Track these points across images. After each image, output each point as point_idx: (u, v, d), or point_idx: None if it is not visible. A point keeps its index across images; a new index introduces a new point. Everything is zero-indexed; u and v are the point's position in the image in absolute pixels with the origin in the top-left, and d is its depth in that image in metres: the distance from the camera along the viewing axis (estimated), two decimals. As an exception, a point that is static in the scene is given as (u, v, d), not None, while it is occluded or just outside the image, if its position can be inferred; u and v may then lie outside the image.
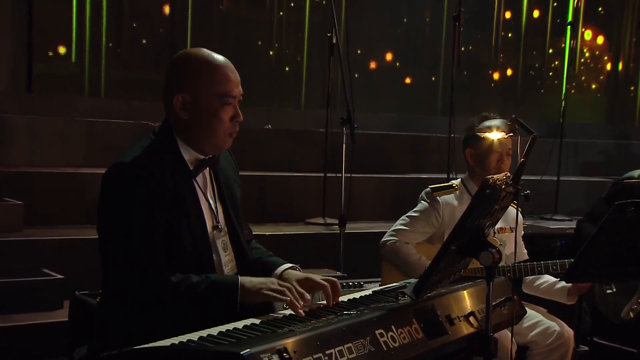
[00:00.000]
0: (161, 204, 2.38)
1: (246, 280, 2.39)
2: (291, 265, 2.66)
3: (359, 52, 8.48)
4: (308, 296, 2.40)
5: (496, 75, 10.01)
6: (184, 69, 2.50)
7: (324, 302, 2.49)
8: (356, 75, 7.59)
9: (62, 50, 6.99)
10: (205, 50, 2.54)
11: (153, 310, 2.36)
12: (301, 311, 2.31)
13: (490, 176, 2.36)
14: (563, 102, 7.32)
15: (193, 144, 2.53)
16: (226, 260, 2.59)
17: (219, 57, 2.53)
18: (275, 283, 2.39)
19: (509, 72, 10.05)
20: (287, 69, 8.48)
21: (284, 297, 2.33)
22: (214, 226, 2.57)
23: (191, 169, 2.53)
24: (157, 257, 2.37)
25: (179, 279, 2.36)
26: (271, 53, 8.41)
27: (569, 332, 3.73)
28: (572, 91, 9.38)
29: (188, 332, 2.06)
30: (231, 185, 2.71)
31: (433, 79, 9.31)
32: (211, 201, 2.59)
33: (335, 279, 2.54)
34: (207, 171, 2.61)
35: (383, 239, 3.83)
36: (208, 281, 2.38)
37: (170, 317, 2.35)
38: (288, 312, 2.35)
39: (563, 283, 3.73)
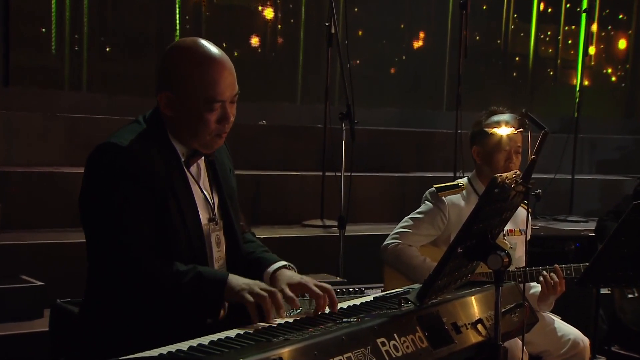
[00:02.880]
0: (149, 192, 2.40)
1: (233, 278, 2.39)
2: (285, 263, 2.65)
3: (358, 42, 8.49)
4: (284, 311, 2.37)
5: (506, 67, 10.03)
6: (173, 65, 2.48)
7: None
8: (358, 62, 7.61)
9: (41, 40, 6.99)
10: (200, 44, 2.49)
11: (136, 293, 2.37)
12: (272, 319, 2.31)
13: (498, 174, 2.37)
14: (578, 95, 7.34)
15: (181, 140, 2.54)
16: (217, 256, 2.60)
17: (213, 54, 2.47)
18: (259, 286, 2.38)
19: (520, 63, 10.07)
20: (281, 60, 8.48)
21: (257, 308, 2.31)
22: (210, 218, 2.59)
23: (183, 159, 2.54)
24: (142, 240, 2.39)
25: (166, 264, 2.38)
26: (265, 43, 8.41)
27: (585, 341, 3.75)
28: (588, 83, 9.39)
29: (171, 334, 2.08)
30: (227, 175, 2.71)
31: (438, 70, 9.32)
32: (206, 192, 2.60)
33: (330, 287, 2.51)
34: (202, 161, 2.62)
35: (385, 243, 3.84)
36: (195, 271, 2.38)
37: (152, 308, 2.37)
38: (284, 320, 2.36)
39: (536, 288, 3.74)
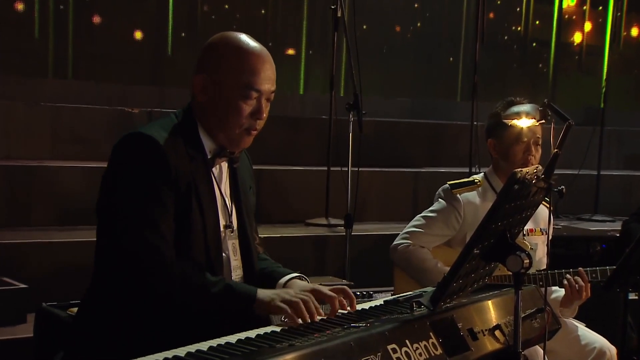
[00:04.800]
0: (174, 186, 2.48)
1: (262, 292, 2.48)
2: (297, 275, 2.75)
3: (366, 27, 8.50)
4: (322, 312, 2.48)
5: (526, 54, 10.03)
6: (215, 50, 2.62)
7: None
8: (366, 47, 7.60)
9: (23, 24, 7.00)
10: (245, 37, 2.64)
11: (157, 297, 2.43)
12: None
13: (518, 169, 2.39)
14: (604, 85, 7.34)
15: (210, 131, 2.63)
16: (234, 265, 2.68)
17: (256, 47, 2.62)
18: (289, 293, 2.48)
19: (541, 50, 10.07)
20: (284, 46, 8.49)
21: (294, 314, 2.40)
22: (226, 225, 2.67)
23: (209, 157, 2.63)
24: (169, 238, 2.46)
25: (196, 270, 2.45)
26: (266, 28, 8.42)
27: (612, 350, 3.76)
28: (615, 72, 9.39)
29: (180, 341, 2.11)
30: (246, 191, 2.81)
31: (451, 59, 9.33)
32: (226, 198, 2.69)
33: (346, 287, 2.60)
34: (224, 167, 2.71)
35: (395, 242, 3.86)
36: (224, 284, 2.47)
37: (169, 313, 2.43)
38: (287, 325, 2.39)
39: (559, 293, 3.76)
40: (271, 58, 2.64)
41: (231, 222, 2.69)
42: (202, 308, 2.45)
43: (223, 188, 2.69)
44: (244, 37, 2.63)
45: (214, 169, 2.65)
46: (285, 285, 2.69)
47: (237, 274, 2.69)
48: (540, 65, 10.10)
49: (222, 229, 2.64)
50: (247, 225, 2.76)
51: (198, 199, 2.54)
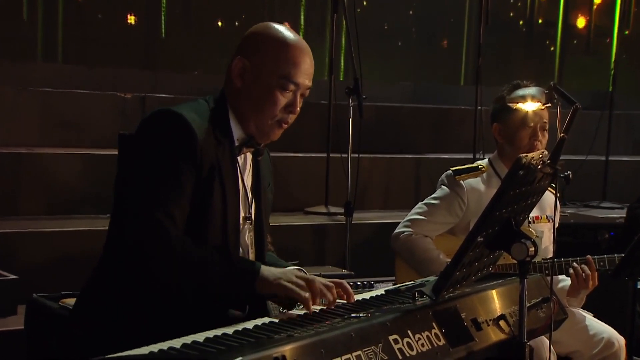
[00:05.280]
0: (198, 167, 2.50)
1: (265, 268, 2.49)
2: (295, 267, 2.76)
3: (366, 8, 8.49)
4: (330, 297, 2.49)
5: (532, 36, 10.01)
6: (258, 36, 2.68)
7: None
8: (366, 30, 7.58)
9: (10, 5, 6.99)
10: (287, 28, 2.71)
11: (158, 274, 2.44)
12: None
13: (523, 154, 2.39)
14: (613, 67, 7.34)
15: (240, 118, 2.67)
16: (251, 258, 2.73)
17: (299, 40, 2.69)
18: (295, 275, 2.49)
19: (548, 31, 10.06)
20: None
21: (303, 293, 2.42)
22: (245, 217, 2.71)
23: (236, 144, 2.67)
24: (176, 218, 2.47)
25: (199, 246, 2.47)
26: (263, 10, 8.41)
27: (620, 340, 3.77)
28: (624, 55, 9.38)
29: (178, 332, 2.12)
30: (266, 187, 2.85)
31: (456, 40, 9.32)
32: (247, 190, 2.74)
33: (342, 280, 2.61)
34: (249, 158, 2.75)
35: (396, 231, 3.86)
36: (228, 260, 2.49)
37: (174, 290, 2.46)
38: (286, 315, 2.40)
39: (566, 282, 3.77)
40: (311, 54, 2.70)
41: (250, 214, 2.74)
42: (203, 283, 2.45)
43: (246, 179, 2.73)
44: (287, 30, 2.70)
45: (239, 158, 2.69)
46: None
47: None
48: (547, 46, 10.08)
49: (241, 220, 2.68)
50: (264, 220, 2.81)
51: (222, 185, 2.57)
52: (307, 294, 2.42)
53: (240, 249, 2.68)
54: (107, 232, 2.64)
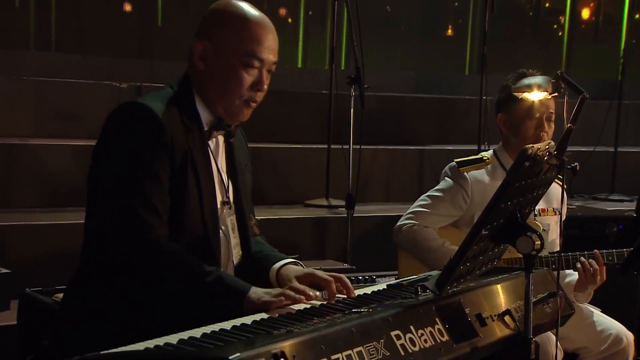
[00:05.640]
0: (170, 157, 2.50)
1: (252, 290, 2.48)
2: (292, 260, 2.77)
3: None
4: (313, 292, 2.48)
5: (539, 23, 9.99)
6: (217, 16, 2.65)
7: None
8: (368, 18, 7.57)
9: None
10: (248, 5, 2.68)
11: (142, 276, 2.44)
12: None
13: (529, 145, 2.39)
14: (622, 56, 7.33)
15: (207, 101, 2.66)
16: (234, 242, 2.73)
17: (260, 16, 2.66)
18: (273, 292, 2.47)
19: (556, 18, 10.04)
20: (282, 17, 8.48)
21: (277, 300, 2.40)
22: (223, 201, 2.70)
23: (206, 129, 2.65)
24: (163, 216, 2.48)
25: (189, 255, 2.48)
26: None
27: (629, 336, 3.77)
28: (634, 40, 9.37)
29: (171, 328, 2.12)
30: (242, 169, 2.83)
31: (461, 28, 9.30)
32: (223, 173, 2.72)
33: (341, 275, 2.61)
34: (221, 141, 2.74)
35: (398, 224, 3.87)
36: (217, 275, 2.48)
37: (161, 298, 2.45)
38: (285, 310, 2.40)
39: (573, 276, 3.77)
40: (274, 29, 2.68)
41: (228, 198, 2.72)
42: (190, 295, 2.46)
43: (220, 163, 2.72)
44: (248, 5, 2.67)
45: (210, 142, 2.68)
46: (279, 270, 2.70)
47: (236, 251, 2.74)
48: (555, 33, 10.06)
49: (219, 205, 2.67)
50: (244, 202, 2.79)
51: (195, 172, 2.56)
52: (282, 302, 2.40)
53: (222, 234, 2.66)
54: (85, 229, 2.61)
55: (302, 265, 2.74)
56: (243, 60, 2.60)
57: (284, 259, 2.78)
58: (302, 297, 2.42)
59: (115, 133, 2.53)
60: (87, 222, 2.60)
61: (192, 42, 2.67)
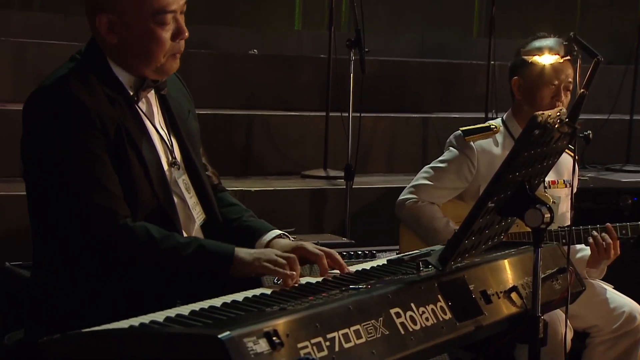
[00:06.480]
0: (102, 134, 2.47)
1: (242, 250, 2.49)
2: (279, 232, 2.76)
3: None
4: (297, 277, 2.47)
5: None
6: None
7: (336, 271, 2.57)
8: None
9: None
10: None
11: (120, 264, 2.45)
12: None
13: (540, 112, 2.38)
14: (639, 19, 7.29)
15: (130, 68, 2.62)
16: (192, 203, 2.70)
17: None
18: (276, 253, 2.48)
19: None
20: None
21: (282, 271, 2.41)
22: (170, 162, 2.68)
23: (131, 93, 2.62)
24: (117, 194, 2.47)
25: (160, 233, 2.47)
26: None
27: (642, 314, 3.79)
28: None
29: (152, 305, 2.12)
30: (185, 116, 2.81)
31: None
32: (162, 132, 2.69)
33: (332, 250, 2.61)
34: (152, 97, 2.71)
35: (401, 197, 3.87)
36: (197, 244, 2.48)
37: (133, 281, 2.45)
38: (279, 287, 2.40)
39: (585, 252, 3.77)
40: None
41: (175, 158, 2.70)
42: (174, 272, 2.47)
43: (157, 122, 2.69)
44: None
45: (140, 105, 2.65)
46: (267, 245, 2.69)
47: (197, 211, 2.72)
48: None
49: (166, 167, 2.65)
50: (193, 155, 2.76)
51: (132, 143, 2.54)
52: (289, 272, 2.41)
53: (176, 198, 2.65)
54: (30, 216, 2.62)
55: (289, 238, 2.74)
56: (155, 19, 2.56)
57: (270, 230, 2.76)
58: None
59: (41, 127, 2.50)
60: (35, 216, 2.61)
61: (88, 17, 2.61)
